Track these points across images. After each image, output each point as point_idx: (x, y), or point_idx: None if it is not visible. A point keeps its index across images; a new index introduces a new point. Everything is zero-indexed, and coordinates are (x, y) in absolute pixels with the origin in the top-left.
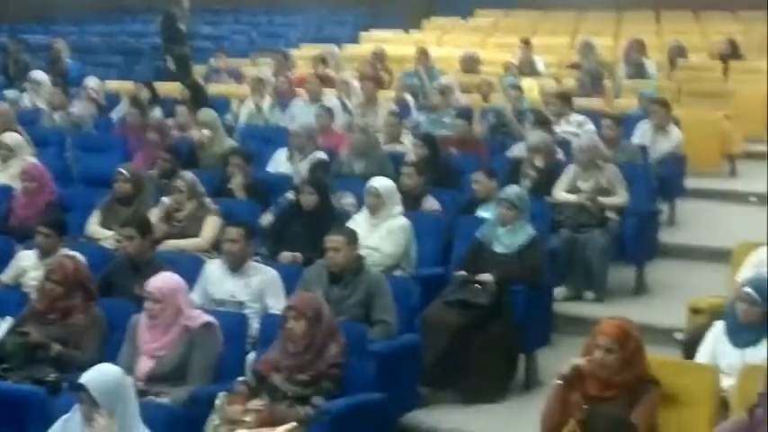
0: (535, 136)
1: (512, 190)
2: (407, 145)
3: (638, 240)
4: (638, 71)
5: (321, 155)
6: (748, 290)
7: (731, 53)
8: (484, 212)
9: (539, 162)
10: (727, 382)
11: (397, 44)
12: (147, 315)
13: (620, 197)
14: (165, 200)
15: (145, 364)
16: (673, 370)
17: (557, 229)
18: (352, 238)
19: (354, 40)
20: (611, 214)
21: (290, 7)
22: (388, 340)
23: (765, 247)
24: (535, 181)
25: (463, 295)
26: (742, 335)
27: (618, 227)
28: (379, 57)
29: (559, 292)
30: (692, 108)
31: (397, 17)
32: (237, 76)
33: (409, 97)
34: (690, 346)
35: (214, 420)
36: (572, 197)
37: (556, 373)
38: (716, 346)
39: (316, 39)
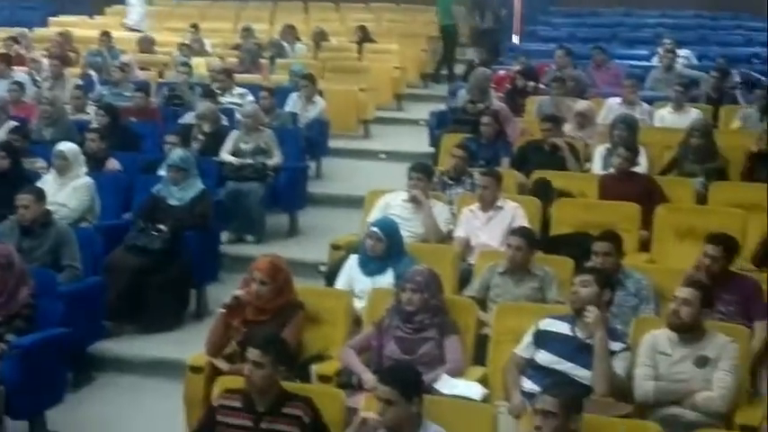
0: (203, 106)
1: (177, 154)
2: (91, 114)
3: (290, 191)
4: (279, 52)
5: (14, 123)
6: (375, 229)
7: (364, 37)
8: (163, 171)
9: (206, 128)
10: (359, 304)
11: (83, 27)
12: None
13: (277, 157)
14: None
15: None
16: (317, 296)
17: (223, 183)
18: (40, 195)
19: (44, 24)
20: (269, 169)
21: None
22: (75, 282)
23: (390, 194)
24: (203, 143)
25: (141, 241)
26: (371, 265)
27: (274, 180)
28: (67, 38)
29: (225, 236)
30: (333, 82)
31: (84, 4)
32: None
33: (93, 73)
34: (330, 277)
35: None
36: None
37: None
38: (351, 275)
39: (8, 23)
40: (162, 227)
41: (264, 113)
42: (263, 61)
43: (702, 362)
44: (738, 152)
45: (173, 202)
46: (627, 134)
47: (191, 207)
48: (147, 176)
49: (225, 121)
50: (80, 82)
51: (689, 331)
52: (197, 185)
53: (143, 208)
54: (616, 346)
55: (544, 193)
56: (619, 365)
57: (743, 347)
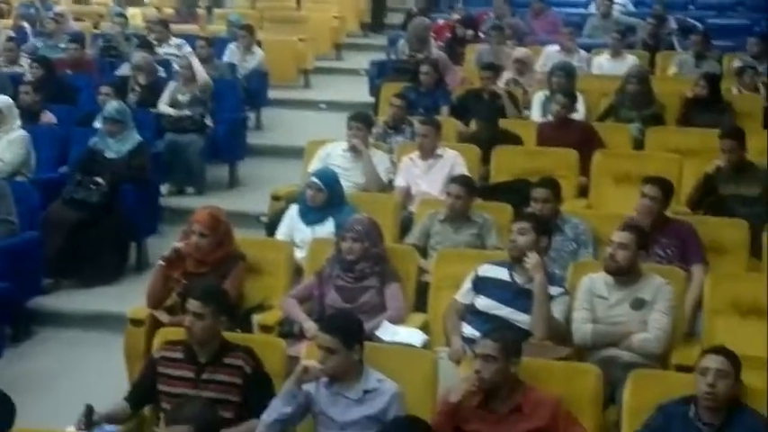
0: (138, 57)
1: (112, 106)
2: (25, 67)
3: (230, 143)
4: (216, 1)
5: None
6: (315, 179)
7: None
8: (99, 123)
9: (142, 79)
10: (300, 254)
11: None
12: None
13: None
14: None
15: None
16: (257, 247)
17: (162, 135)
18: None
19: None
20: (207, 121)
21: None
22: (12, 237)
23: (330, 144)
24: (140, 95)
25: (79, 195)
26: (311, 215)
27: (213, 131)
28: None
29: (165, 188)
30: (272, 32)
31: None
32: None
33: (27, 25)
34: (271, 227)
35: None
36: (172, 111)
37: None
38: (291, 225)
39: None
40: (99, 180)
41: (202, 63)
42: (199, 11)
43: (638, 304)
44: (674, 98)
45: (110, 154)
46: (565, 81)
47: (128, 159)
48: (83, 129)
49: (162, 73)
50: (13, 34)
51: (625, 274)
52: (134, 138)
53: (80, 161)
54: (554, 290)
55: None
56: (557, 309)
57: (678, 289)
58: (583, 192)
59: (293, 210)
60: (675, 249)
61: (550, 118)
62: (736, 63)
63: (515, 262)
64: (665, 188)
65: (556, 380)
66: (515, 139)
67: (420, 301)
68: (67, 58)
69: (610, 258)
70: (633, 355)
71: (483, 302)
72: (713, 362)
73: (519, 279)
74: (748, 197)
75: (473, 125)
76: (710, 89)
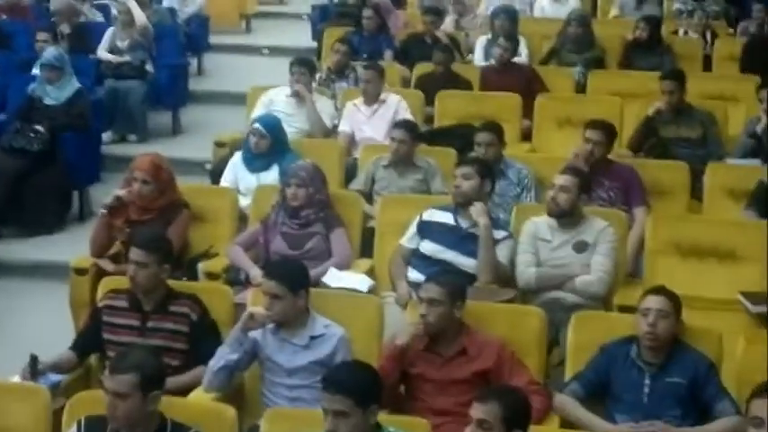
0: (57, 2)
1: (50, 53)
2: None
3: (171, 89)
4: None
5: None
6: (258, 126)
7: None
8: (37, 70)
9: (64, 28)
10: (245, 202)
11: None
12: None
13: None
14: None
15: None
16: (202, 194)
17: (102, 82)
18: None
19: None
20: (148, 67)
21: None
22: None
23: (273, 90)
24: (68, 42)
25: (19, 143)
26: (255, 162)
27: (154, 78)
28: None
29: (107, 136)
30: None
31: None
32: None
33: None
34: (216, 174)
35: None
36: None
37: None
38: (236, 172)
39: None
40: (39, 128)
41: (141, 8)
42: None
43: (581, 246)
44: (616, 41)
45: (49, 101)
46: (507, 24)
47: (67, 107)
48: (21, 76)
49: (100, 17)
50: None
51: (567, 217)
52: (73, 84)
53: (19, 109)
54: (499, 234)
55: None
56: (502, 253)
57: (620, 231)
58: (526, 136)
59: (237, 157)
60: (618, 192)
61: (493, 62)
62: (677, 5)
63: (460, 206)
64: (608, 132)
65: (500, 322)
66: (467, 84)
67: (366, 247)
68: (3, 4)
69: (552, 201)
70: (576, 297)
71: (428, 247)
72: (654, 302)
73: (464, 223)
74: (688, 139)
75: (417, 69)
76: (651, 32)
